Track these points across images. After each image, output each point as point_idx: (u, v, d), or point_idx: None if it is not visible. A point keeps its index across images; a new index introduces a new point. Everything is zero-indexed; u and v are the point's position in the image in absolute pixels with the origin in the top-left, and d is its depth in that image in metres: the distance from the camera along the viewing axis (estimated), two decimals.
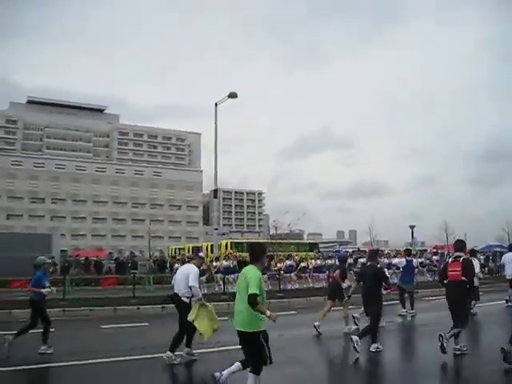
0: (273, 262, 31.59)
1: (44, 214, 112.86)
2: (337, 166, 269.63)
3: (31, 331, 10.99)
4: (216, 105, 29.17)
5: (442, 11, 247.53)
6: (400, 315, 16.57)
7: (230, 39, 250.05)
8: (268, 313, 6.96)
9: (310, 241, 79.23)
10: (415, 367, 9.93)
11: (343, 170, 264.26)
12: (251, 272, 7.00)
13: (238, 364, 7.32)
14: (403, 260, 18.10)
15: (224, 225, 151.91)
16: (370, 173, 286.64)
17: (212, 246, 38.68)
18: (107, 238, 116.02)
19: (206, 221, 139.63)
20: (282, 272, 29.18)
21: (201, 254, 12.31)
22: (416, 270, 20.52)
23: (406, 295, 17.16)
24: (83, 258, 46.02)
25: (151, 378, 8.99)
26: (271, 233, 42.59)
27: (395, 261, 19.96)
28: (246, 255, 46.53)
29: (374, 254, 13.10)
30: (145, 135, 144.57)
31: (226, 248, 51.95)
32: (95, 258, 46.88)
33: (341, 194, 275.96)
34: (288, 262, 30.60)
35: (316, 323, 12.91)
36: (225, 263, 28.22)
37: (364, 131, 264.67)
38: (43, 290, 11.20)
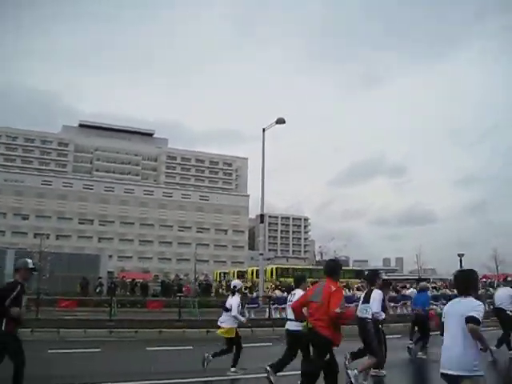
0: None
1: (92, 235, 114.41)
2: (388, 193, 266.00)
3: None
4: (264, 130, 29.27)
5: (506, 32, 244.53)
6: (408, 347, 15.98)
7: (282, 64, 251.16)
8: None
9: (357, 268, 78.45)
10: None
11: (394, 197, 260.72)
12: None
13: None
14: (415, 291, 17.20)
15: (269, 250, 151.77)
16: (420, 200, 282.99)
17: (257, 270, 38.61)
18: (153, 261, 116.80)
19: (252, 245, 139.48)
20: None
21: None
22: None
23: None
24: (129, 280, 46.42)
25: None
26: (317, 259, 42.38)
27: (408, 292, 19.16)
28: (291, 280, 46.38)
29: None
30: (192, 159, 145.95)
31: (272, 274, 51.87)
32: (141, 280, 47.20)
33: (390, 221, 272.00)
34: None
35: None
36: (278, 293, 28.35)
37: (418, 157, 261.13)
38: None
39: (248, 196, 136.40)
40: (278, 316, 23.78)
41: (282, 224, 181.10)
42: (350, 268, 79.11)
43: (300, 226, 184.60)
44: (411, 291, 17.88)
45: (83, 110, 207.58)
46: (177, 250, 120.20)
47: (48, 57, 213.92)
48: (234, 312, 11.18)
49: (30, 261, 8.36)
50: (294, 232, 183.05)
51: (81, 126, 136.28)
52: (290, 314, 9.66)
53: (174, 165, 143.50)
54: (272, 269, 55.01)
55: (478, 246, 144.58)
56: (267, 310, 25.49)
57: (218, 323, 11.64)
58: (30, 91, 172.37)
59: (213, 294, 42.48)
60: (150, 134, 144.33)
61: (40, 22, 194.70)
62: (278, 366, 9.67)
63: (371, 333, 9.82)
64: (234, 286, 12.06)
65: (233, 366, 10.90)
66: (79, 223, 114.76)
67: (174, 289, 40.17)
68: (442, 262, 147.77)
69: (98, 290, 38.39)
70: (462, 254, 48.08)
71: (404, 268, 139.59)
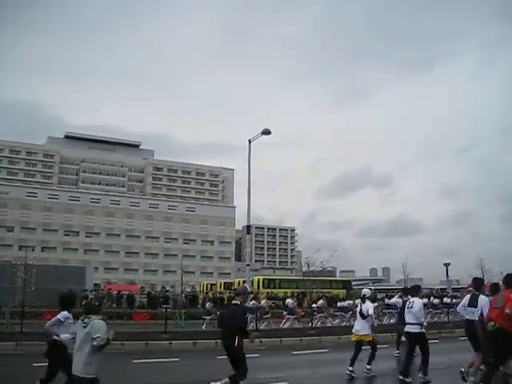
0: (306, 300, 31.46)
1: (78, 247, 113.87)
2: (374, 204, 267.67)
3: None
4: (250, 141, 29.28)
5: (484, 49, 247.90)
6: (395, 357, 16.00)
7: (269, 76, 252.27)
8: None
9: (344, 278, 78.44)
10: None
11: (380, 208, 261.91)
12: None
13: None
14: (400, 300, 17.07)
15: (256, 261, 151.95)
16: (406, 211, 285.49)
17: (244, 281, 38.49)
18: (139, 273, 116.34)
19: (238, 257, 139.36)
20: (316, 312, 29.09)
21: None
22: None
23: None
24: (115, 292, 46.14)
25: None
26: (304, 270, 42.28)
27: (392, 301, 19.07)
28: (278, 291, 46.34)
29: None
30: (179, 171, 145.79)
31: (259, 284, 51.76)
32: (127, 292, 46.94)
33: (376, 232, 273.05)
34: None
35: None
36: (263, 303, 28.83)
37: (403, 169, 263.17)
38: None
39: (234, 207, 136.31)
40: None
41: (269, 235, 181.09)
42: (338, 278, 79.23)
43: (287, 236, 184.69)
44: (396, 301, 17.74)
45: (70, 122, 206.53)
46: (163, 262, 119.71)
47: (35, 68, 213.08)
48: (371, 312, 12.89)
49: None
50: (280, 243, 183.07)
51: (66, 137, 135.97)
52: (410, 319, 11.90)
53: (160, 176, 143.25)
54: (259, 279, 54.87)
55: (464, 256, 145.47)
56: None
57: (354, 331, 12.87)
58: (15, 102, 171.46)
59: (199, 306, 42.29)
60: (137, 146, 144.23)
61: (27, 34, 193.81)
62: (406, 370, 11.36)
63: (479, 333, 10.48)
64: (364, 295, 13.56)
65: (368, 364, 12.33)
66: (65, 235, 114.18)
67: (161, 300, 39.99)
68: (429, 271, 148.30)
69: (83, 303, 38.15)
70: (448, 263, 48.18)
71: (391, 278, 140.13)
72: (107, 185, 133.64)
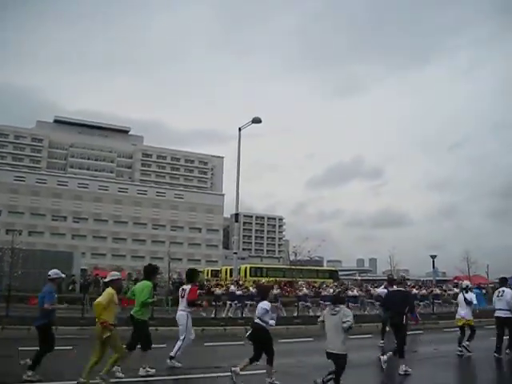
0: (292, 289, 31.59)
1: (65, 232, 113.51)
2: (363, 195, 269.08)
3: None
4: (240, 129, 29.31)
5: (477, 45, 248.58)
6: (380, 346, 16.16)
7: (261, 68, 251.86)
8: None
9: (331, 268, 78.72)
10: None
11: (369, 199, 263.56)
12: None
13: None
14: (385, 291, 17.07)
15: (244, 249, 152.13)
16: (394, 202, 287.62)
17: (231, 269, 38.59)
18: (127, 259, 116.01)
19: (226, 244, 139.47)
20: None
21: None
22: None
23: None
24: (103, 278, 46.10)
25: None
26: (291, 259, 42.44)
27: (378, 291, 19.18)
28: (264, 280, 46.45)
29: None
30: (168, 157, 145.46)
31: (246, 273, 51.90)
32: None
33: (364, 223, 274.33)
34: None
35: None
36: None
37: (393, 161, 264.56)
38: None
39: (223, 195, 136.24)
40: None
41: (257, 224, 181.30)
42: (325, 268, 79.55)
43: (275, 225, 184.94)
44: (381, 291, 17.82)
45: (61, 107, 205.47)
46: (151, 248, 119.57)
47: (26, 53, 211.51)
48: (475, 300, 15.10)
49: None
50: (268, 232, 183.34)
51: (56, 121, 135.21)
52: (501, 306, 14.24)
53: (149, 162, 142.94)
54: (246, 268, 55.07)
55: (450, 248, 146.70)
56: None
57: (459, 317, 15.00)
58: (4, 86, 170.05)
59: None
60: (126, 131, 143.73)
61: (17, 18, 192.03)
62: (499, 349, 13.85)
63: None
64: (467, 286, 15.67)
65: (468, 341, 14.72)
66: (52, 220, 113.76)
67: None
68: (416, 263, 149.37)
69: (70, 288, 38.11)
70: (435, 256, 48.54)
71: (378, 269, 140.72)
72: (96, 170, 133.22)
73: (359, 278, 63.25)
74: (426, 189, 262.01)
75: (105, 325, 9.50)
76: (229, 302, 28.03)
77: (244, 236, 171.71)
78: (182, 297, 12.16)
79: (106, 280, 10.44)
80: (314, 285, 41.29)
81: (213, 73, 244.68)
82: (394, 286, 17.14)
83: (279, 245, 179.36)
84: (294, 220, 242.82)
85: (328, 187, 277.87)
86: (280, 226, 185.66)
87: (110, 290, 10.05)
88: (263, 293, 11.24)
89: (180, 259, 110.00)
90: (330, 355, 9.11)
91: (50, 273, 10.83)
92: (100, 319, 9.51)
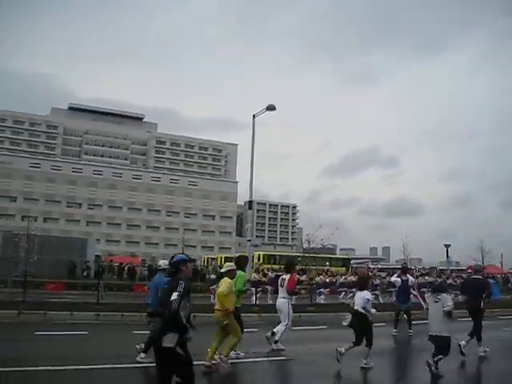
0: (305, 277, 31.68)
1: (80, 219, 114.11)
2: (378, 184, 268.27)
3: None
4: (254, 117, 29.24)
5: (494, 35, 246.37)
6: (393, 335, 16.24)
7: (283, 57, 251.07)
8: None
9: (344, 256, 78.70)
10: None
11: (384, 188, 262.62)
12: None
13: None
14: (398, 279, 17.27)
15: (257, 236, 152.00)
16: (409, 191, 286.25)
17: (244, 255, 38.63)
18: (141, 245, 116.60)
19: (239, 232, 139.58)
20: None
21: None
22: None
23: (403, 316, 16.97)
24: (117, 264, 46.40)
25: None
26: (304, 246, 42.40)
27: (392, 279, 19.20)
28: (278, 267, 46.58)
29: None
30: (182, 144, 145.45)
31: (259, 260, 52.06)
32: (129, 264, 47.12)
33: (379, 212, 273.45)
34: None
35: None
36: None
37: (408, 151, 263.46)
38: None
39: (237, 182, 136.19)
40: None
41: (271, 211, 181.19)
42: (338, 256, 79.53)
43: (288, 213, 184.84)
44: (395, 279, 17.80)
45: (75, 95, 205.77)
46: (164, 235, 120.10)
47: (40, 40, 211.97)
48: None
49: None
50: (282, 219, 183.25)
51: (70, 108, 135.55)
52: None
53: (163, 149, 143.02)
54: (259, 255, 55.20)
55: (464, 238, 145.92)
56: None
57: None
58: (20, 74, 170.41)
59: (199, 280, 42.53)
60: (140, 119, 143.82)
61: (31, 5, 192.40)
62: None
63: None
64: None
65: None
66: (67, 206, 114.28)
67: None
68: (429, 251, 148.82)
69: (85, 274, 38.44)
70: (449, 245, 48.18)
71: (391, 257, 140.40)
72: (110, 157, 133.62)
73: (372, 266, 63.01)
74: (441, 178, 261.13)
75: (227, 312, 10.12)
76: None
77: (257, 223, 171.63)
78: (282, 286, 13.06)
79: (223, 271, 11.01)
80: (329, 273, 41.24)
81: (225, 62, 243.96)
82: (408, 275, 17.41)
83: (292, 232, 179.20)
84: (308, 208, 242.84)
85: (342, 176, 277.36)
86: (293, 214, 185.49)
87: (227, 279, 10.60)
88: (363, 283, 12.23)
89: (194, 246, 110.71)
90: (432, 338, 10.25)
91: (160, 263, 12.22)
92: (223, 307, 10.12)
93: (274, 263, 53.21)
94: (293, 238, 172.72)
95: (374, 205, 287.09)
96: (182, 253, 7.55)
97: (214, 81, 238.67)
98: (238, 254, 13.59)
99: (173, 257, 6.78)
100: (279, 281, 13.36)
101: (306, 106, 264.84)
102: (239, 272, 11.42)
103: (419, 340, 12.59)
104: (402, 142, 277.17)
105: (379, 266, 66.79)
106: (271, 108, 27.86)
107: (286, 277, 13.03)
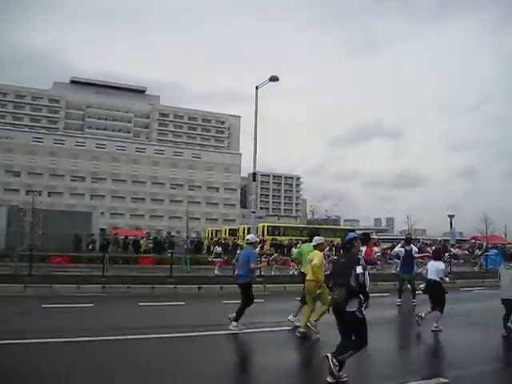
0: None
1: (84, 193, 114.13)
2: (383, 156, 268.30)
3: None
4: (257, 88, 29.06)
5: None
6: (397, 305, 16.34)
7: (281, 24, 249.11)
8: None
9: (348, 227, 78.75)
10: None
11: (389, 160, 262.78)
12: None
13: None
14: (402, 250, 17.30)
15: (261, 208, 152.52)
16: (413, 163, 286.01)
17: (249, 228, 38.73)
18: (145, 218, 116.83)
19: (244, 203, 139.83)
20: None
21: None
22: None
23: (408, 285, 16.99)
24: (122, 237, 46.56)
25: (190, 354, 9.05)
26: (308, 218, 42.47)
27: (395, 250, 19.21)
28: (282, 239, 46.65)
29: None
30: (185, 117, 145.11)
31: (263, 232, 52.12)
32: (133, 237, 47.27)
33: (383, 183, 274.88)
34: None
35: None
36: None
37: (414, 122, 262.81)
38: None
39: (240, 154, 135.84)
40: None
41: (274, 183, 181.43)
42: (342, 227, 79.61)
43: (292, 185, 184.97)
44: (398, 250, 17.83)
45: (77, 68, 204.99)
46: (169, 208, 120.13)
47: (41, 13, 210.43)
48: None
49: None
50: (285, 191, 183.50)
51: (72, 82, 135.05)
52: None
53: (166, 122, 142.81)
54: (264, 227, 55.24)
55: (468, 209, 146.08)
56: None
57: None
58: (21, 47, 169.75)
59: (204, 252, 42.75)
60: (142, 91, 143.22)
61: None
62: None
63: None
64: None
65: None
66: (71, 180, 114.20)
67: (166, 246, 40.39)
68: (433, 223, 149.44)
69: (90, 247, 38.60)
70: (453, 216, 47.97)
71: (395, 228, 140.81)
72: (113, 130, 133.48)
73: (376, 237, 63.07)
74: (446, 150, 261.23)
75: (320, 283, 10.67)
76: None
77: (261, 195, 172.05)
78: None
79: (313, 244, 11.39)
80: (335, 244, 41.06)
81: (228, 34, 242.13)
82: (411, 245, 17.41)
83: (296, 204, 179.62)
84: (312, 180, 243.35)
85: (347, 148, 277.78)
86: (297, 186, 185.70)
87: (318, 252, 11.12)
88: (437, 254, 13.64)
89: (198, 218, 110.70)
90: (505, 301, 11.14)
91: (248, 237, 12.65)
92: (317, 278, 10.67)
93: (278, 235, 53.27)
94: (297, 210, 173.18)
95: (379, 176, 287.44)
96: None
97: (215, 54, 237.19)
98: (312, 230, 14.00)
99: (345, 236, 7.98)
100: None
101: (311, 77, 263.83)
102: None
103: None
104: (408, 112, 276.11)
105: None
106: (274, 79, 27.65)
107: (363, 248, 14.24)
